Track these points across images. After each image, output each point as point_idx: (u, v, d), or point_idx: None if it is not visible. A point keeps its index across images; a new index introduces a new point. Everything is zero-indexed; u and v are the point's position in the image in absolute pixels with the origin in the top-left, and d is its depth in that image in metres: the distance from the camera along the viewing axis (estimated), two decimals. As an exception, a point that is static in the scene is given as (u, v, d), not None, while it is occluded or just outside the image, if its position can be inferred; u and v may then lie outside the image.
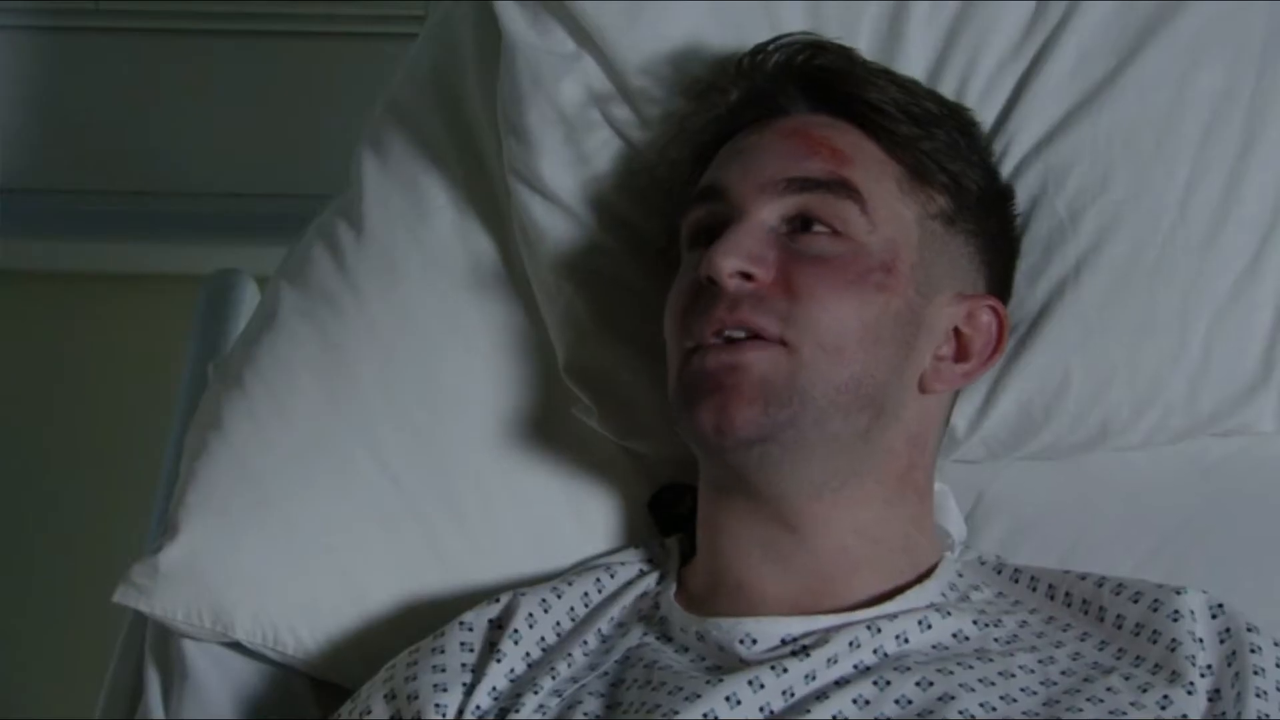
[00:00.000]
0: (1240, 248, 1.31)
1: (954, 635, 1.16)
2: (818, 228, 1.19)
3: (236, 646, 1.33)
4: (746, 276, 1.17)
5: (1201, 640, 1.13)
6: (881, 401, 1.18)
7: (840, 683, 1.12)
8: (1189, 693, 1.10)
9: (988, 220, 1.26)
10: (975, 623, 1.17)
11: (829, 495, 1.18)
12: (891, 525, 1.20)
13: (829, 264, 1.18)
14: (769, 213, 1.20)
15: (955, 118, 1.28)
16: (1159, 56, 1.32)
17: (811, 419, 1.16)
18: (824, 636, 1.14)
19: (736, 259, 1.17)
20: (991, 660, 1.13)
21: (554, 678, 1.16)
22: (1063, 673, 1.13)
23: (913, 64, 1.34)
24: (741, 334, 1.17)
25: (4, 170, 2.10)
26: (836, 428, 1.17)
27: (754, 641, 1.15)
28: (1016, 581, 1.22)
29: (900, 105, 1.24)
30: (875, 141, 1.23)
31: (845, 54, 1.27)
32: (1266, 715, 1.09)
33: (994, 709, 1.09)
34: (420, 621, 1.27)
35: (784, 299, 1.17)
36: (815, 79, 1.25)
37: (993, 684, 1.11)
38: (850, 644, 1.13)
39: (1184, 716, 1.09)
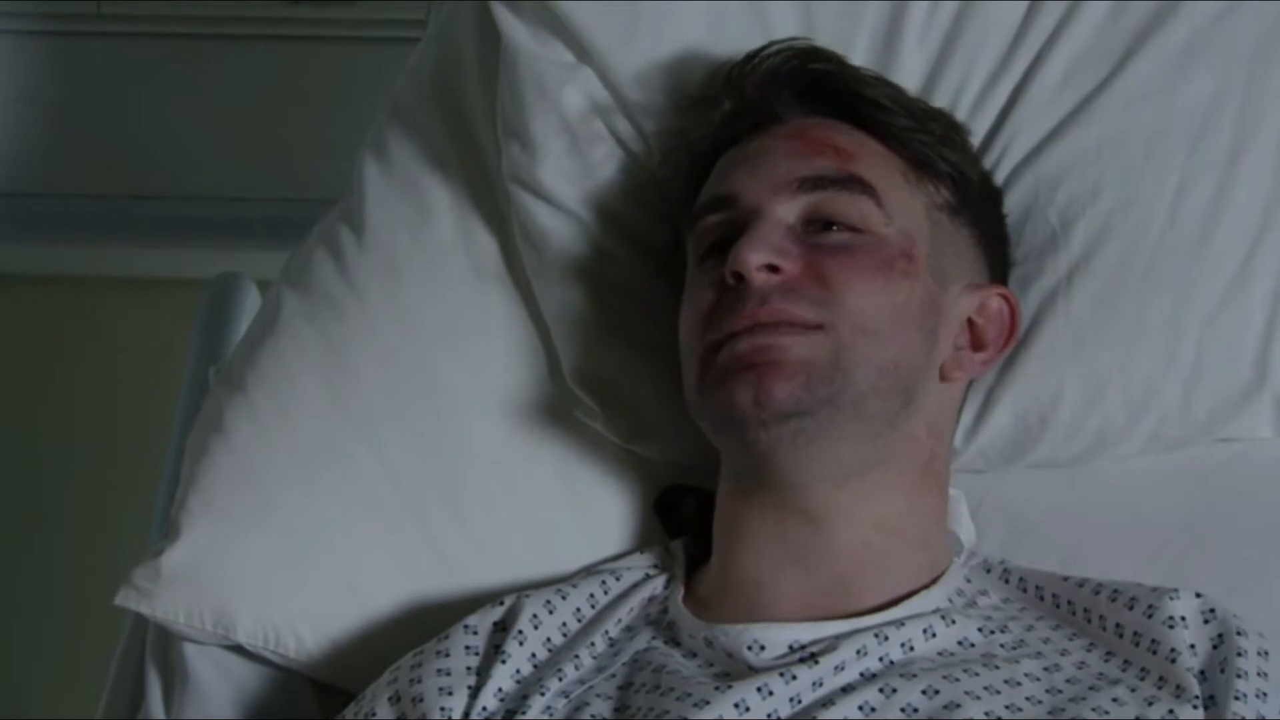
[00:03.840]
0: (1230, 254, 1.31)
1: (959, 642, 1.16)
2: (836, 227, 1.20)
3: (238, 649, 1.33)
4: (773, 270, 1.17)
5: (1193, 646, 1.13)
6: (913, 387, 1.19)
7: (847, 689, 1.12)
8: (1195, 708, 1.10)
9: (986, 212, 1.28)
10: (981, 630, 1.17)
11: (853, 484, 1.18)
12: (913, 517, 1.20)
13: (854, 253, 1.18)
14: (785, 211, 1.20)
15: (945, 116, 1.30)
16: (1148, 65, 1.33)
17: (850, 399, 1.16)
18: (832, 644, 1.14)
19: (763, 252, 1.17)
20: (997, 667, 1.13)
21: (561, 679, 1.16)
22: (1068, 680, 1.13)
23: (907, 77, 1.34)
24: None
25: (6, 174, 2.10)
26: (871, 410, 1.17)
27: (762, 648, 1.15)
28: (1024, 590, 1.22)
29: (895, 100, 1.25)
30: (875, 137, 1.24)
31: (834, 56, 1.27)
32: (1243, 718, 1.09)
33: (999, 718, 1.09)
34: (423, 624, 1.27)
35: (816, 288, 1.17)
36: (808, 82, 1.26)
37: (998, 692, 1.11)
38: (858, 651, 1.13)
39: None
